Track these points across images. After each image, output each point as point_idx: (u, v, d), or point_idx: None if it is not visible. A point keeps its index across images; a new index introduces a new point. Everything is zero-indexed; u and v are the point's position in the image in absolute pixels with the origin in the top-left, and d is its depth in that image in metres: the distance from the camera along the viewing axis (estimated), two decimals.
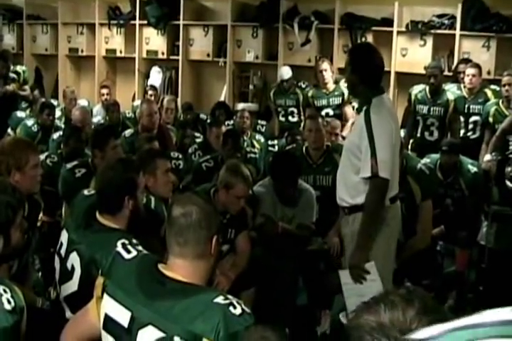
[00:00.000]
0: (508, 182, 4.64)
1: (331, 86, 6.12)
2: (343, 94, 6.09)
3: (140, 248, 1.98)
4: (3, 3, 8.95)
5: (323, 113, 6.03)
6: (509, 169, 4.81)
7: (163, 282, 1.74)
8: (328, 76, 6.06)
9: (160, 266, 1.79)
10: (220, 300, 1.67)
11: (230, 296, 1.71)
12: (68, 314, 2.36)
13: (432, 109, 5.62)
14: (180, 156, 4.72)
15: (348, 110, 6.11)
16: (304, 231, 4.04)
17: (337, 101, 6.13)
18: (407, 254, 3.82)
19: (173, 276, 1.75)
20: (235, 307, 1.66)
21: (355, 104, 5.97)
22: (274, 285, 3.70)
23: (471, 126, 5.73)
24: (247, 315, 1.68)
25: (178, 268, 1.76)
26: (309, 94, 6.28)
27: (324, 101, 6.13)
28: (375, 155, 2.90)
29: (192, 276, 1.75)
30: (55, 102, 6.85)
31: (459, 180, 4.75)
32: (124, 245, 2.08)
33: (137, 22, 7.94)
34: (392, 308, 0.99)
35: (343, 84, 6.13)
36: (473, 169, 4.86)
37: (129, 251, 1.88)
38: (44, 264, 3.14)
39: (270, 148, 5.69)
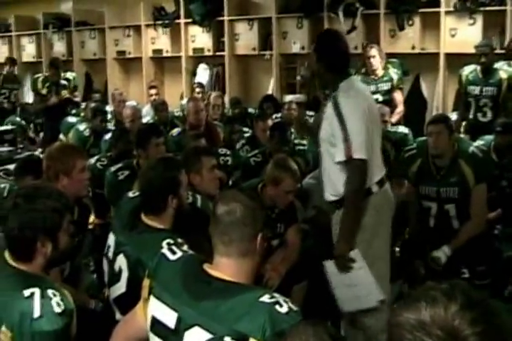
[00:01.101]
0: None
1: (379, 72, 6.00)
2: (391, 80, 5.98)
3: (185, 248, 1.98)
4: (52, 12, 9.17)
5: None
6: None
7: (209, 282, 1.73)
8: (377, 62, 5.95)
9: (205, 266, 1.78)
10: (265, 298, 1.65)
11: (276, 294, 1.68)
12: (118, 316, 2.39)
13: (484, 89, 5.45)
14: (229, 152, 4.72)
15: (397, 96, 6.01)
16: None
17: (386, 86, 6.02)
18: (462, 240, 3.71)
19: (219, 276, 1.74)
20: (281, 306, 1.63)
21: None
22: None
23: None
24: (294, 312, 1.64)
25: (224, 267, 1.75)
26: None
27: (373, 88, 6.02)
28: (348, 137, 2.82)
29: (237, 275, 1.74)
30: (105, 106, 6.97)
31: None
32: (169, 245, 2.09)
33: (182, 21, 8.00)
34: (433, 304, 0.95)
35: (392, 70, 6.03)
36: None
37: (174, 252, 1.88)
38: (98, 266, 3.19)
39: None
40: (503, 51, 5.97)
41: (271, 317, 1.61)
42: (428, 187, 3.85)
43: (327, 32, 3.30)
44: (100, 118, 5.67)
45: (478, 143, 4.69)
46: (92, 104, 6.45)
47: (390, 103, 5.88)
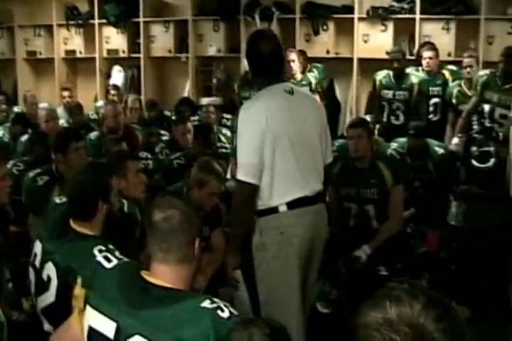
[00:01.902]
0: (473, 162, 4.71)
1: (298, 76, 6.12)
2: (310, 84, 6.11)
3: (120, 255, 1.95)
4: None
5: None
6: (474, 149, 4.89)
7: (148, 289, 1.71)
8: (296, 66, 6.06)
9: (143, 273, 1.76)
10: (207, 304, 1.65)
11: (216, 299, 1.69)
12: (47, 326, 2.31)
13: (396, 93, 5.68)
14: (150, 156, 4.67)
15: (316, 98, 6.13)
16: None
17: (304, 90, 6.13)
18: (381, 239, 3.85)
19: (158, 283, 1.72)
20: (222, 311, 1.64)
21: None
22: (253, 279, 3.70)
23: (432, 109, 5.80)
24: (236, 317, 1.66)
25: (162, 275, 1.73)
26: None
27: None
28: (236, 156, 2.74)
29: (176, 282, 1.73)
30: (15, 108, 6.73)
31: (427, 162, 4.81)
32: (101, 252, 2.05)
33: (96, 21, 7.82)
34: (398, 304, 0.99)
35: (312, 74, 6.16)
36: (440, 151, 4.94)
37: (109, 260, 1.85)
38: (14, 275, 3.08)
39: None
40: (412, 57, 6.23)
41: (213, 322, 1.61)
42: (348, 188, 3.97)
43: (254, 33, 3.04)
44: (21, 124, 5.49)
45: (393, 145, 4.88)
46: (15, 109, 6.22)
47: None
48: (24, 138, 4.98)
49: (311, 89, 6.09)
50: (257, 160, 2.67)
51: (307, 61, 6.35)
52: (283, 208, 2.75)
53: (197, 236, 1.79)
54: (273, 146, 2.69)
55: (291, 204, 2.75)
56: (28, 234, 3.49)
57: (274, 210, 2.76)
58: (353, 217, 4.01)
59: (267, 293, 2.80)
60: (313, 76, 6.19)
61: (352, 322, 1.04)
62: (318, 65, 6.38)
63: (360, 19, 6.69)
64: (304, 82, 6.12)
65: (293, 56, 6.03)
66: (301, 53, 6.27)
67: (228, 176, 2.75)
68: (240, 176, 2.69)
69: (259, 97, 2.84)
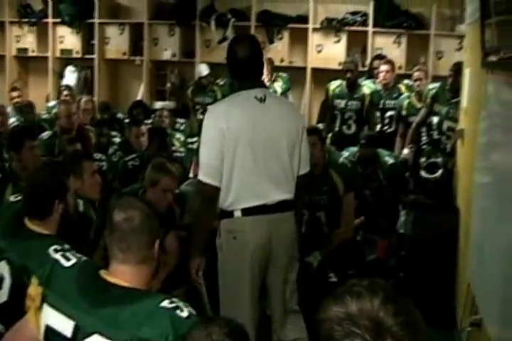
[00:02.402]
0: (422, 172, 4.84)
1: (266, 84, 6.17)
2: (275, 92, 6.16)
3: (78, 254, 1.94)
4: None
5: None
6: (423, 159, 5.03)
7: (107, 289, 1.71)
8: (265, 74, 6.10)
9: (102, 273, 1.76)
10: (166, 304, 1.66)
11: (175, 299, 1.70)
12: None
13: (349, 103, 5.79)
14: (104, 157, 4.65)
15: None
16: None
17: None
18: (333, 246, 3.92)
19: (117, 282, 1.72)
20: (182, 310, 1.66)
21: None
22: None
23: (387, 121, 5.94)
24: (195, 316, 1.67)
25: (121, 274, 1.73)
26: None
27: None
28: (199, 154, 2.79)
29: (136, 281, 1.73)
30: None
31: (377, 171, 4.92)
32: (57, 251, 2.03)
33: (50, 20, 7.72)
34: (358, 298, 1.03)
35: (278, 83, 6.22)
36: (390, 160, 5.08)
37: (68, 259, 1.84)
38: None
39: (190, 146, 5.69)
40: (365, 69, 6.38)
41: (173, 322, 1.63)
42: None
43: (234, 38, 3.03)
44: None
45: (344, 154, 4.98)
46: None
47: None
48: None
49: None
50: (217, 162, 2.69)
51: (273, 69, 6.40)
52: (238, 214, 2.77)
53: (157, 238, 1.80)
54: (233, 151, 2.70)
55: (246, 211, 2.76)
56: None
57: (229, 214, 2.79)
58: (304, 224, 4.07)
59: (221, 292, 2.85)
60: (278, 85, 6.27)
61: (315, 317, 1.08)
62: (283, 74, 6.46)
63: (315, 30, 6.82)
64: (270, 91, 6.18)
65: None
66: (270, 61, 6.29)
67: (191, 175, 2.79)
68: (200, 176, 2.73)
69: (225, 101, 2.88)
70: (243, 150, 2.71)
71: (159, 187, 3.41)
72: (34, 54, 7.96)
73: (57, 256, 1.89)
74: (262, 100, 2.78)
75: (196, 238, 2.88)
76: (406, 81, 6.01)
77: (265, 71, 6.02)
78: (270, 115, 2.79)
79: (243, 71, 2.80)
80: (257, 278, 2.85)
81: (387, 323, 1.00)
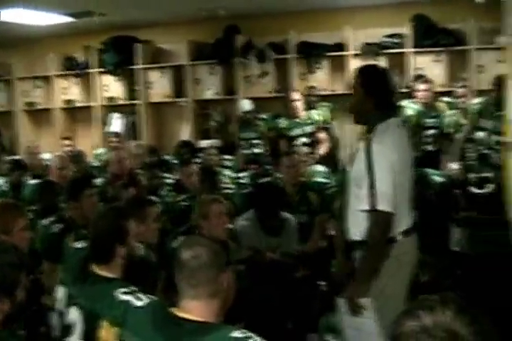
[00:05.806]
0: (472, 188, 4.75)
1: (302, 114, 6.25)
2: (315, 122, 6.26)
3: (147, 295, 1.98)
4: None
5: (298, 142, 6.22)
6: (472, 175, 4.95)
7: (181, 323, 1.77)
8: (300, 105, 6.20)
9: (173, 310, 1.82)
10: (237, 334, 1.71)
11: (246, 330, 1.74)
12: None
13: None
14: (158, 200, 4.69)
15: (322, 135, 6.33)
16: (290, 258, 4.09)
17: (310, 129, 6.26)
18: None
19: (189, 317, 1.78)
20: (254, 340, 1.70)
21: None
22: (264, 316, 3.68)
23: (429, 140, 5.87)
24: None
25: (193, 309, 1.79)
26: (282, 125, 6.39)
27: (299, 131, 6.26)
28: (374, 186, 2.70)
29: (207, 315, 1.79)
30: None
31: (424, 191, 4.84)
32: (126, 293, 2.08)
33: (94, 70, 7.95)
34: (431, 311, 1.06)
35: (315, 112, 6.26)
36: (439, 179, 4.99)
37: (139, 299, 1.90)
38: (26, 323, 3.06)
39: (240, 181, 5.74)
40: (406, 90, 6.35)
41: None
42: None
43: (373, 66, 3.05)
44: (19, 171, 5.51)
45: None
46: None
47: (314, 144, 6.21)
48: (29, 187, 5.00)
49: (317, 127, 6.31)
50: (393, 190, 2.73)
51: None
52: (399, 237, 2.82)
53: (224, 271, 1.86)
54: (400, 179, 2.78)
55: (405, 234, 2.84)
56: (38, 282, 3.48)
57: (392, 239, 2.81)
58: None
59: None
60: (317, 113, 6.33)
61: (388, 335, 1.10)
62: (327, 104, 6.52)
63: (353, 56, 6.83)
64: (309, 121, 6.30)
65: (297, 95, 6.24)
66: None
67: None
68: (381, 207, 2.70)
69: (387, 131, 2.83)
70: (402, 174, 2.80)
71: (212, 215, 3.47)
72: (80, 104, 8.18)
73: (128, 297, 1.95)
74: (401, 126, 2.95)
75: (370, 266, 2.78)
76: (446, 98, 5.96)
77: (300, 102, 6.18)
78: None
79: (393, 101, 3.00)
80: None
81: (462, 333, 1.03)
